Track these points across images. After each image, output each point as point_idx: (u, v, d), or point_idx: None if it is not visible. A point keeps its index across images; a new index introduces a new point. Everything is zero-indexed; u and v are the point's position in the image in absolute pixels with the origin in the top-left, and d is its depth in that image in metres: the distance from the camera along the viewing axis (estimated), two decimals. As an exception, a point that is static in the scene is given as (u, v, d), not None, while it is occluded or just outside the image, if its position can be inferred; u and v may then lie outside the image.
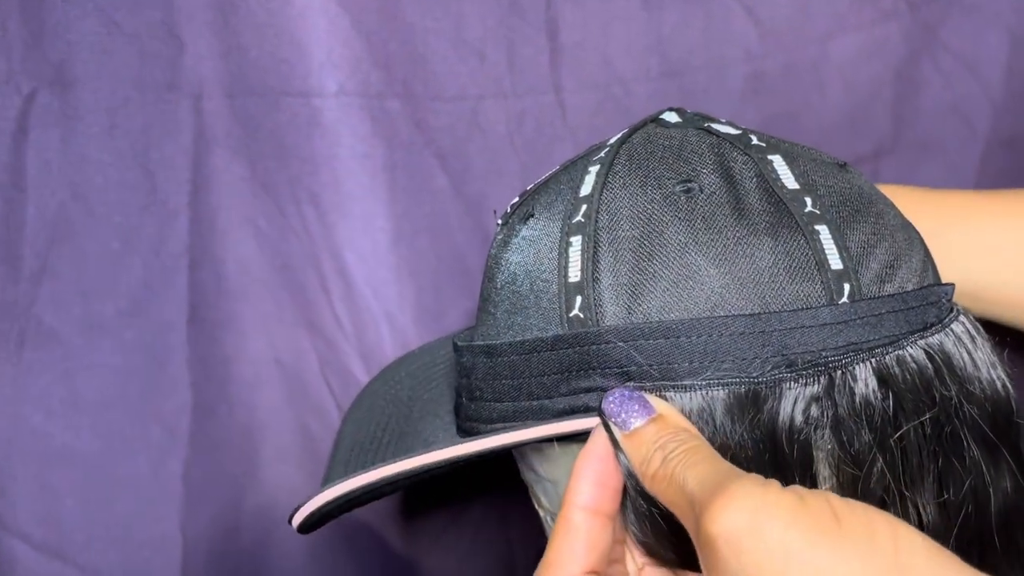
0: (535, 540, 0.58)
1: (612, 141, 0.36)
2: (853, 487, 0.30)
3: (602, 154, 0.36)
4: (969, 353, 0.32)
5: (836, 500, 0.26)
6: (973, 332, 0.33)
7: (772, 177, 0.33)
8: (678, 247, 0.32)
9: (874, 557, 0.24)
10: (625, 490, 0.32)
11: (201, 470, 0.55)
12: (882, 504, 0.31)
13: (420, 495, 0.60)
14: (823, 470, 0.31)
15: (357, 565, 0.60)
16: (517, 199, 0.38)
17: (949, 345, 0.32)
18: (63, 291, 0.53)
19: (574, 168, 0.36)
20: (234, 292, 0.56)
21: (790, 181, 0.33)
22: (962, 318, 0.33)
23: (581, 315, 0.32)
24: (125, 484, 0.54)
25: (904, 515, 0.31)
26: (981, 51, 0.58)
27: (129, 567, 0.54)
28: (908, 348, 0.31)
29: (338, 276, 0.57)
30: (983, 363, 0.33)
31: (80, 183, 0.53)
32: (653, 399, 0.31)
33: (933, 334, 0.32)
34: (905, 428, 0.30)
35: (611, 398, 0.31)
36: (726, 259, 0.32)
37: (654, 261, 0.32)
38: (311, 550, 0.59)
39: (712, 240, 0.32)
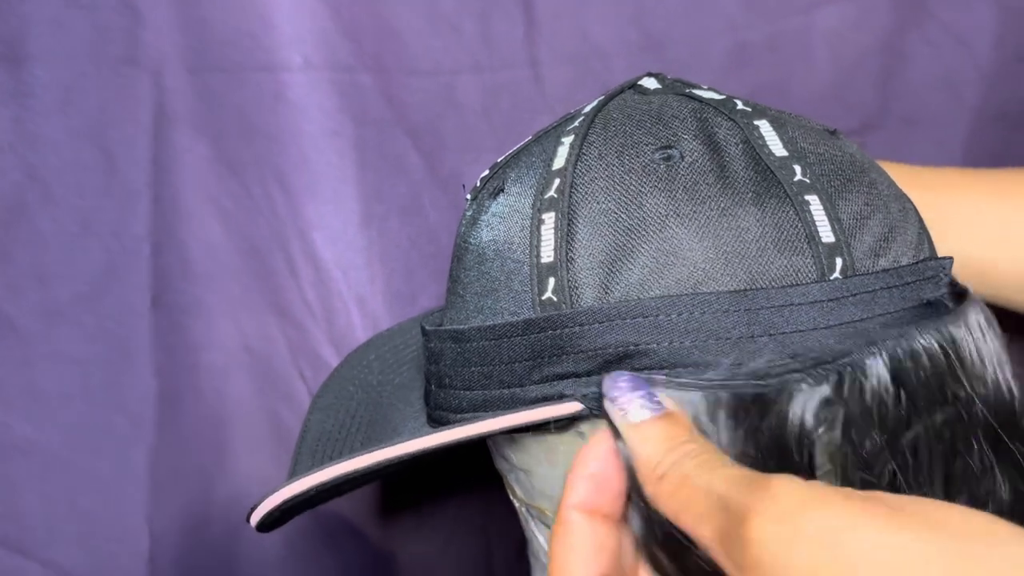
0: (515, 530, 0.57)
1: (587, 110, 0.34)
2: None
3: (576, 124, 0.34)
4: (977, 348, 0.30)
5: (886, 495, 0.24)
6: (985, 326, 0.31)
7: (759, 144, 0.31)
8: (658, 219, 0.30)
9: (946, 538, 0.22)
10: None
11: (168, 461, 0.54)
12: None
13: (398, 484, 0.59)
14: (829, 469, 0.28)
15: (333, 556, 0.59)
16: (487, 172, 0.36)
17: (960, 337, 0.30)
18: (19, 276, 0.51)
19: (547, 139, 0.34)
20: (200, 276, 0.55)
21: (778, 148, 0.31)
22: (978, 307, 0.31)
23: (554, 298, 0.31)
24: (88, 477, 0.52)
25: None
26: (970, 22, 0.57)
27: (94, 562, 0.52)
28: (921, 339, 0.29)
29: (307, 259, 0.56)
30: (990, 360, 0.30)
31: (35, 163, 0.51)
32: (662, 395, 0.28)
33: (947, 324, 0.30)
34: (918, 428, 0.28)
35: (616, 382, 0.29)
36: (709, 231, 0.30)
37: (632, 236, 0.30)
38: (285, 541, 0.58)
39: (694, 211, 0.30)
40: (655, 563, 0.28)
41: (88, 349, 0.52)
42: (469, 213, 0.35)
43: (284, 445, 0.57)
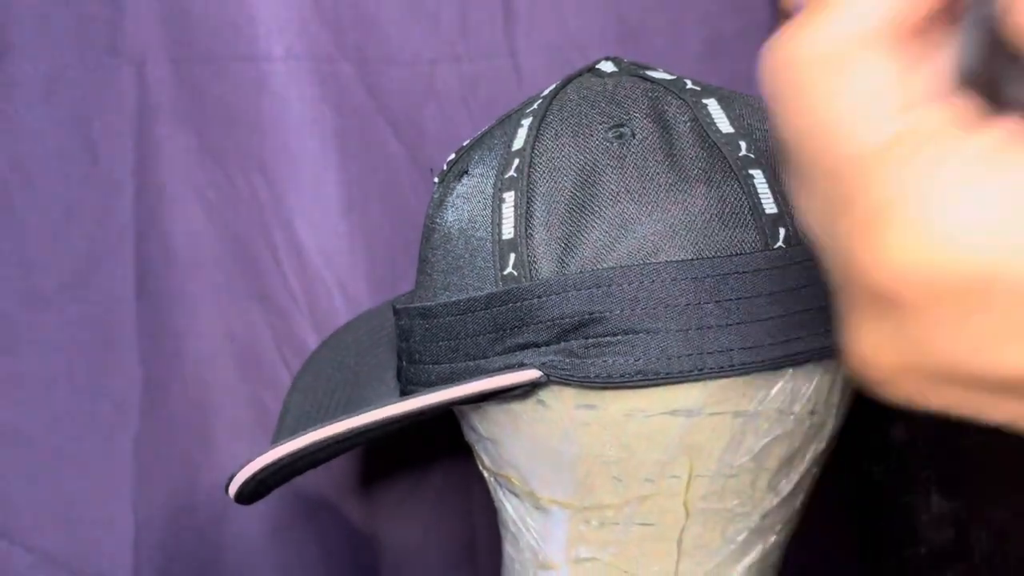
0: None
1: (546, 93, 0.36)
2: None
3: (535, 106, 0.35)
4: None
5: None
6: None
7: (706, 121, 0.32)
8: (610, 196, 0.31)
9: None
10: None
11: (152, 447, 0.54)
12: None
13: (381, 464, 0.60)
14: None
15: (317, 538, 0.60)
16: (453, 156, 0.37)
17: None
18: (3, 265, 0.52)
19: (508, 122, 0.35)
20: (183, 264, 0.56)
21: (725, 125, 0.32)
22: None
23: (515, 272, 0.32)
24: (73, 463, 0.53)
25: None
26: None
27: (79, 548, 0.53)
28: None
29: (289, 246, 0.56)
30: None
31: (19, 153, 0.52)
32: None
33: None
34: None
35: None
36: (658, 206, 0.31)
37: (585, 212, 0.31)
38: (268, 526, 0.58)
39: (644, 187, 0.31)
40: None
41: (73, 337, 0.53)
42: (436, 195, 0.36)
43: (268, 431, 0.58)
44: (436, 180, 0.37)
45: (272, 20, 0.53)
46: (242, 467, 0.35)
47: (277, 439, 0.41)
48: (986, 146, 0.17)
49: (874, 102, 0.18)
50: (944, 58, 0.19)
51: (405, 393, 0.36)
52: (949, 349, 0.17)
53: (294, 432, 0.40)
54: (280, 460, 0.34)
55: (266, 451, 0.35)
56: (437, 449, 0.57)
